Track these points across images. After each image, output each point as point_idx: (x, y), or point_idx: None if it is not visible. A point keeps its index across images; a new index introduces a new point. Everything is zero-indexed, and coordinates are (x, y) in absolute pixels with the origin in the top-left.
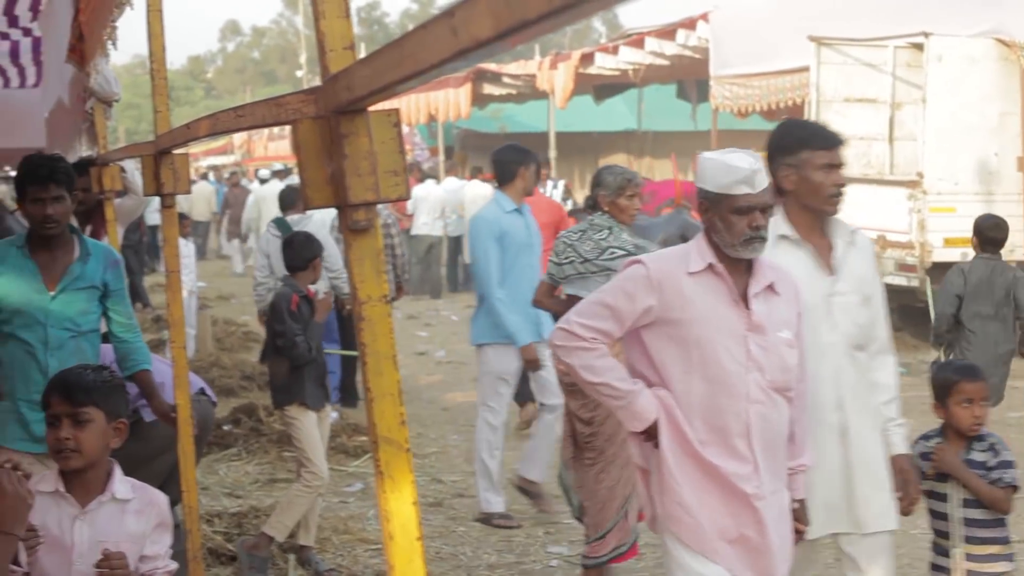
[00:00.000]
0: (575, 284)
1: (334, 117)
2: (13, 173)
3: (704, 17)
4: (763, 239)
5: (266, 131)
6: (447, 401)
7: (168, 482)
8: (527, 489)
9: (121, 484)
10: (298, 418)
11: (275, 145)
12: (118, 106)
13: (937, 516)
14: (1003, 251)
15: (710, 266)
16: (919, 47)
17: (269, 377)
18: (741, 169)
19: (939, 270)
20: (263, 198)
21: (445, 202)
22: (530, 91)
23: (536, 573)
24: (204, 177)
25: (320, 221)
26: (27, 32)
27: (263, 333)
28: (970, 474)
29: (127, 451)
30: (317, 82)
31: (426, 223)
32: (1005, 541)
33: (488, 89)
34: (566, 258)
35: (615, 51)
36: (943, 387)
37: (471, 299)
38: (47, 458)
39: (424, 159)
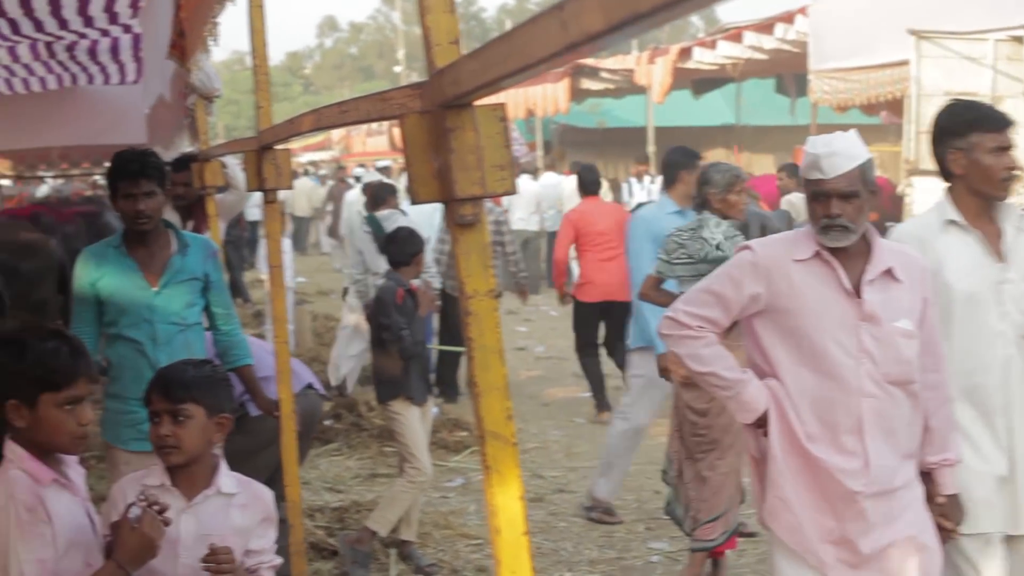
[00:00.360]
0: (687, 283)
1: (440, 112)
2: None
3: (802, 11)
4: (842, 228)
5: (364, 127)
6: (547, 397)
7: (275, 477)
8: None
9: (227, 478)
10: (402, 413)
11: (373, 141)
12: (218, 102)
13: None
14: None
15: (817, 253)
16: (1020, 40)
17: (373, 371)
18: (810, 153)
19: None
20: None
21: (541, 197)
22: (628, 86)
23: (637, 569)
24: (305, 173)
25: (416, 216)
26: (127, 29)
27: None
28: None
29: (233, 445)
30: (415, 78)
31: (522, 218)
32: None
33: (586, 84)
34: (677, 258)
35: (713, 46)
36: None
37: None
38: None
39: (522, 154)
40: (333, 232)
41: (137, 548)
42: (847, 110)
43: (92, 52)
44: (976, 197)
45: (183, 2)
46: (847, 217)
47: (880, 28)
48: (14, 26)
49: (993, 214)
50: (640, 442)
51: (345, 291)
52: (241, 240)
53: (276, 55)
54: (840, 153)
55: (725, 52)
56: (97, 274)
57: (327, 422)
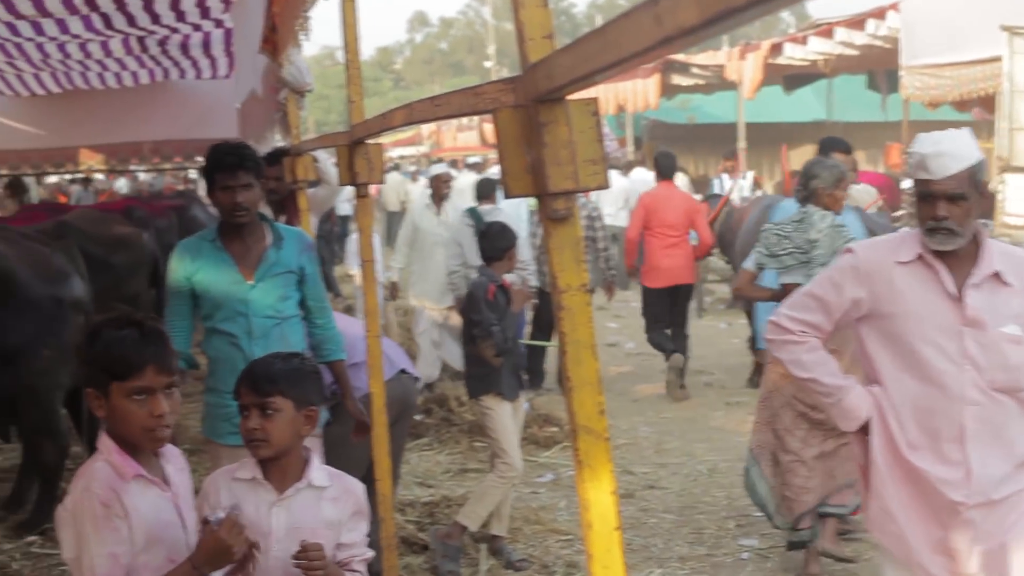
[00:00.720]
0: (794, 272)
1: (533, 106)
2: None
3: (894, 7)
4: (948, 231)
5: (455, 122)
6: (637, 393)
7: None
8: None
9: (318, 471)
10: (493, 408)
11: (464, 136)
12: (308, 97)
13: None
14: None
15: (919, 256)
16: None
17: (465, 366)
18: (917, 152)
19: None
20: (459, 190)
21: (631, 193)
22: (718, 81)
23: (726, 566)
24: (395, 168)
25: (512, 212)
26: (219, 24)
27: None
28: None
29: (329, 434)
30: (505, 73)
31: (609, 213)
32: None
33: (676, 79)
34: (782, 248)
35: (804, 41)
36: None
37: None
38: None
39: (613, 149)
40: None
41: (213, 552)
42: (938, 107)
43: (184, 47)
44: None
45: None
46: (954, 220)
47: (972, 24)
48: (107, 21)
49: None
50: None
51: (393, 287)
52: (332, 235)
53: (367, 50)
54: (948, 154)
55: (816, 48)
56: (192, 268)
57: (418, 417)
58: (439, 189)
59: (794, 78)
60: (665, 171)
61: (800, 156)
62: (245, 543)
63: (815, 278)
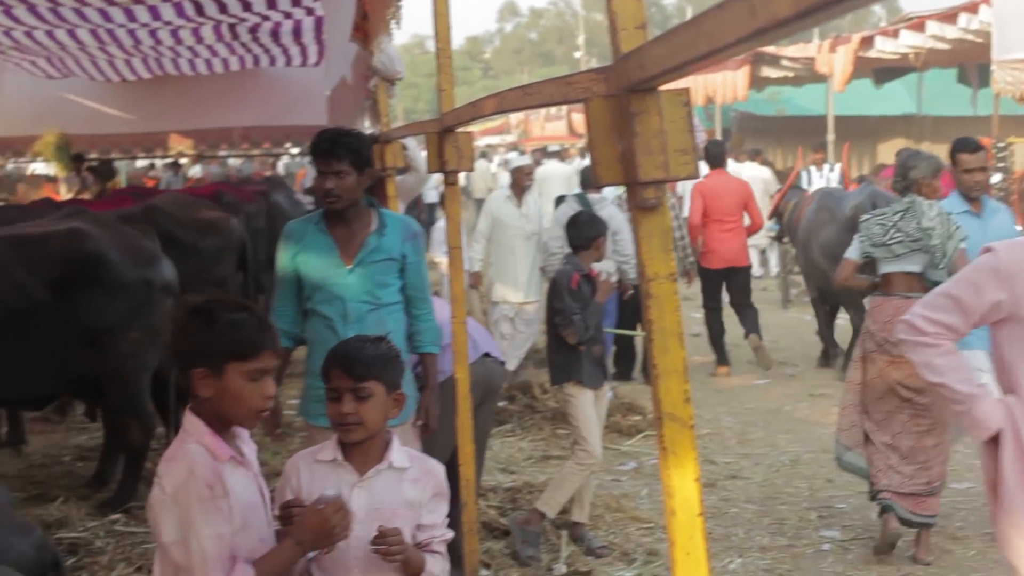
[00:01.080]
0: (903, 260)
1: (625, 96)
2: (295, 150)
3: (987, 1)
4: None
5: (543, 112)
6: (720, 383)
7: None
8: None
9: (399, 453)
10: (575, 395)
11: (552, 125)
12: (398, 85)
13: None
14: None
15: None
16: None
17: (547, 353)
18: None
19: None
20: (544, 178)
21: None
22: (808, 74)
23: (807, 557)
24: (483, 156)
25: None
26: (310, 11)
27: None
28: None
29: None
30: (595, 64)
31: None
32: None
33: (766, 72)
34: (892, 238)
35: (895, 35)
36: None
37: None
38: None
39: (702, 140)
40: None
41: (318, 531)
42: None
43: (275, 34)
44: None
45: None
46: None
47: None
48: (199, 8)
49: None
50: None
51: (475, 276)
52: (419, 222)
53: (457, 39)
54: None
55: (907, 41)
56: (296, 250)
57: (501, 403)
58: (520, 181)
59: (884, 71)
60: (715, 159)
61: (889, 149)
62: (348, 528)
63: (953, 277)
